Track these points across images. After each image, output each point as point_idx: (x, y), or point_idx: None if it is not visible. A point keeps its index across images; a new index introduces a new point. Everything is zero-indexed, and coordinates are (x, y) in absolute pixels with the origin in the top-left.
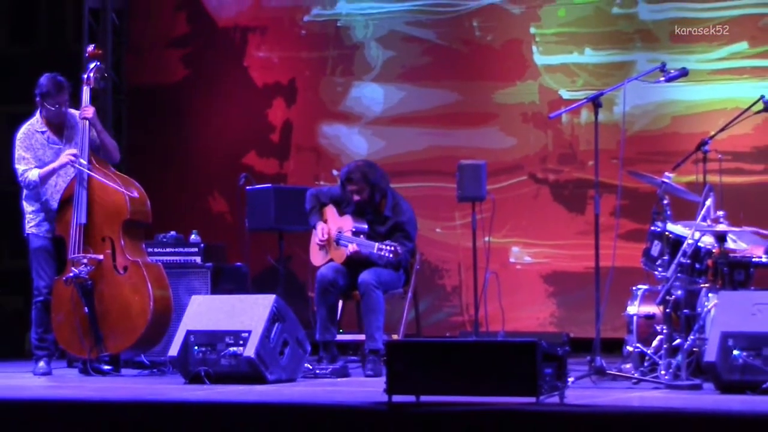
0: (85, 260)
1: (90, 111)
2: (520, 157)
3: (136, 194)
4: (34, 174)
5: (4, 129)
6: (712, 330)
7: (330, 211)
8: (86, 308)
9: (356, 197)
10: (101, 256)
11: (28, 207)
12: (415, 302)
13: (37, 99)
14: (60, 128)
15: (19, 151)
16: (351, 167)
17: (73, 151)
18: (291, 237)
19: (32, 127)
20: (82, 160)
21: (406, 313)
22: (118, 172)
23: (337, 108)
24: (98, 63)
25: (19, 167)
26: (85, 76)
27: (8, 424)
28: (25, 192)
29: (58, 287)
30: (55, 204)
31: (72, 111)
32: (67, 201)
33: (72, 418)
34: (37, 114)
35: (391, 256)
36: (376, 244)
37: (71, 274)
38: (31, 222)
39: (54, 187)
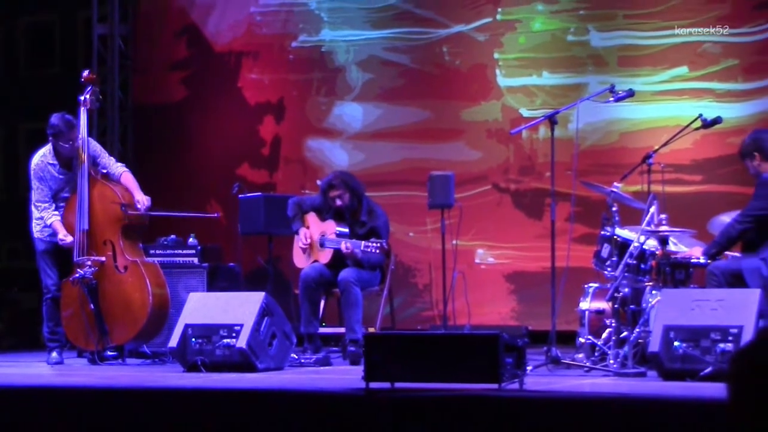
0: (89, 262)
1: (146, 200)
2: (484, 169)
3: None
4: (49, 218)
5: (25, 143)
6: (656, 323)
7: (312, 217)
8: (92, 305)
9: (338, 202)
10: (103, 258)
11: (35, 213)
12: (390, 298)
13: (50, 139)
14: (69, 160)
15: (34, 182)
16: (331, 176)
17: (70, 239)
18: (279, 240)
19: (45, 159)
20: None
21: (382, 308)
22: (116, 182)
23: (321, 124)
24: (93, 86)
25: (35, 195)
26: (82, 98)
27: (25, 409)
28: (33, 198)
29: (65, 287)
30: (59, 213)
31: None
32: (70, 210)
33: (82, 402)
34: (49, 146)
35: (378, 251)
36: (363, 242)
37: (77, 276)
38: (37, 227)
39: (59, 201)
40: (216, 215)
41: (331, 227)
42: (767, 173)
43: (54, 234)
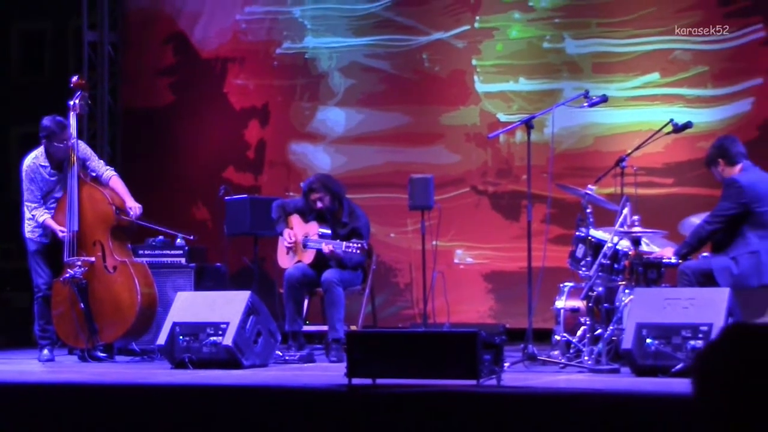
0: (79, 262)
1: (138, 209)
2: (463, 172)
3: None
4: (41, 217)
5: (16, 147)
6: (629, 321)
7: (295, 219)
8: (82, 304)
9: (319, 204)
10: (93, 258)
11: (27, 213)
12: (372, 297)
13: (43, 141)
14: (61, 162)
15: (25, 183)
16: (311, 179)
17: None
18: (264, 241)
19: (36, 161)
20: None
21: (364, 307)
22: (105, 186)
23: (305, 129)
24: (82, 92)
25: (27, 196)
26: (72, 103)
27: (17, 404)
28: (24, 199)
29: (56, 287)
30: (51, 214)
31: None
32: (60, 211)
33: (72, 399)
34: (41, 148)
35: (359, 252)
36: (344, 243)
37: (67, 275)
38: (29, 227)
39: (50, 201)
40: (191, 237)
41: (314, 229)
42: (733, 175)
43: (45, 234)
